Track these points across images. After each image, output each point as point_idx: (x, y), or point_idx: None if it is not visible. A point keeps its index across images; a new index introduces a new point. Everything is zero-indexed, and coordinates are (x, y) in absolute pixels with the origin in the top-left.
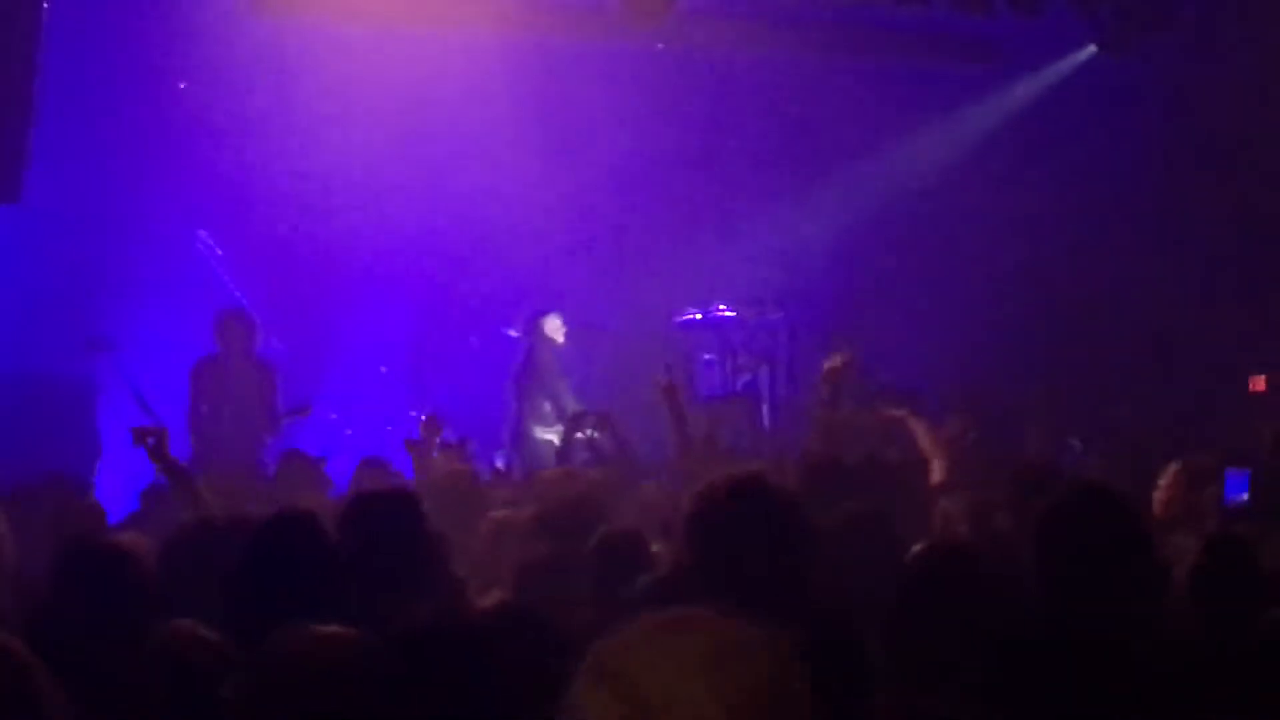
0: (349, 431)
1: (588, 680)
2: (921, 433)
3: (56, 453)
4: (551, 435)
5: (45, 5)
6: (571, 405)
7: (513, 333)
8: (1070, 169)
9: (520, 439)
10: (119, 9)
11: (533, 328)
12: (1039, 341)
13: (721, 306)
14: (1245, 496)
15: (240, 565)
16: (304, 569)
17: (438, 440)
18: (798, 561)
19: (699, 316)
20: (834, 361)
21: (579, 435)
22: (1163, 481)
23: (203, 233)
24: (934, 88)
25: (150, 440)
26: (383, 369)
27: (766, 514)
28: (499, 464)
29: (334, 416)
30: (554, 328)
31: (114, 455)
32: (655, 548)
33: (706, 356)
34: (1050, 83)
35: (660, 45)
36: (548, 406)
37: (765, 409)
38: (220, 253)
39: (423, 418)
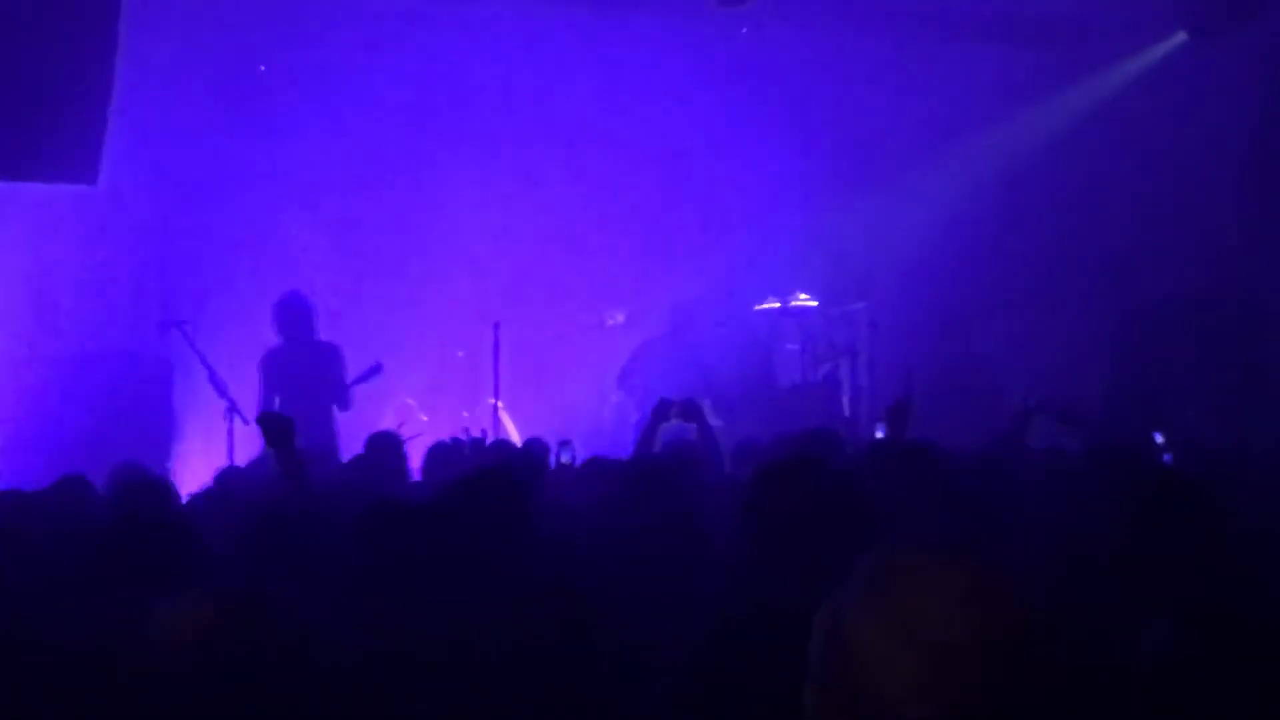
0: (424, 418)
1: (857, 592)
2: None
3: (134, 432)
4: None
5: None
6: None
7: (610, 321)
8: (1158, 160)
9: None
10: None
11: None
12: (1121, 337)
13: (802, 296)
14: None
15: None
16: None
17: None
18: (848, 534)
19: (778, 305)
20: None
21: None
22: None
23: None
24: (1018, 75)
25: (273, 428)
26: (460, 354)
27: (815, 494)
28: (564, 458)
29: (411, 402)
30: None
31: (189, 434)
32: None
33: (790, 346)
34: (1138, 70)
35: (744, 30)
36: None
37: (845, 399)
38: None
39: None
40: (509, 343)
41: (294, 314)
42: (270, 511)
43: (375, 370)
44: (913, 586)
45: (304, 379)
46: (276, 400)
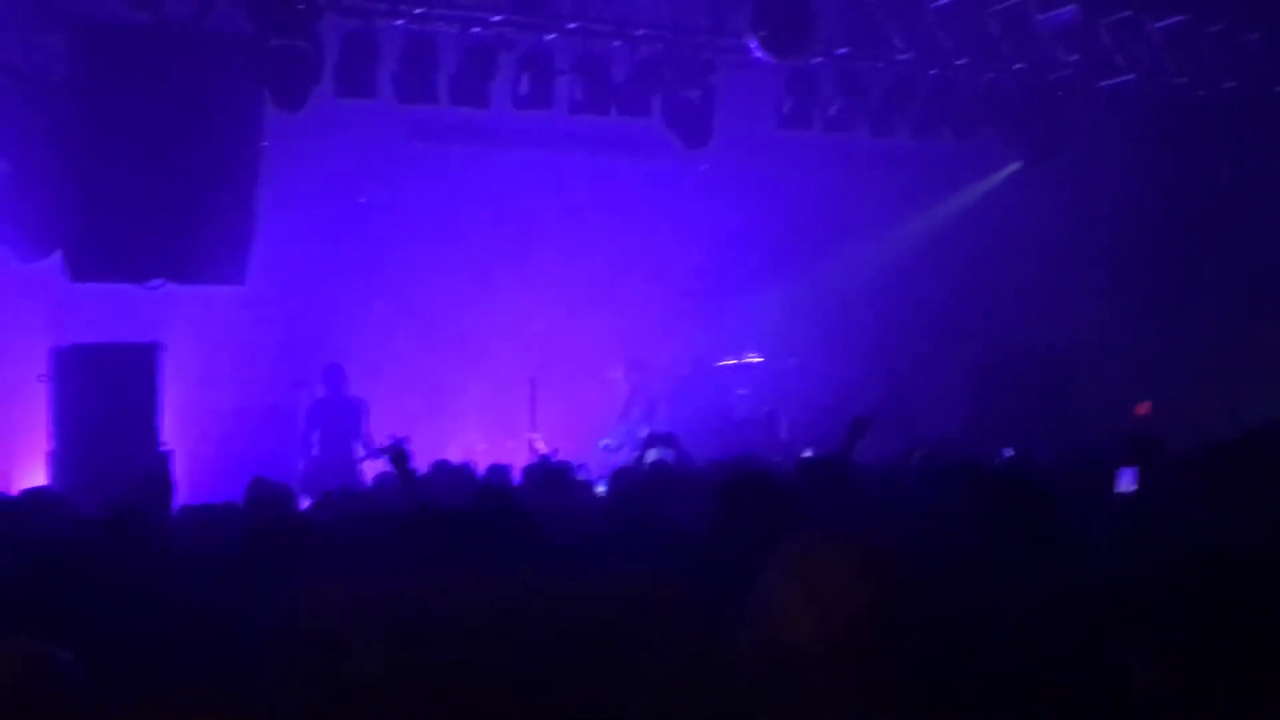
0: (482, 446)
1: (779, 567)
2: None
3: (271, 458)
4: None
5: (265, 144)
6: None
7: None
8: (1000, 251)
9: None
10: (316, 140)
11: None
12: (976, 379)
13: (750, 355)
14: (1134, 487)
15: None
16: None
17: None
18: (782, 524)
19: (734, 361)
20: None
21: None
22: None
23: None
24: (905, 192)
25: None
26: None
27: (765, 499)
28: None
29: (475, 436)
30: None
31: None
32: None
33: (741, 391)
34: (991, 186)
35: (704, 166)
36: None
37: (783, 428)
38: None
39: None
40: (543, 392)
41: (334, 377)
42: (393, 512)
43: (392, 448)
44: (818, 564)
45: (337, 425)
46: (316, 435)
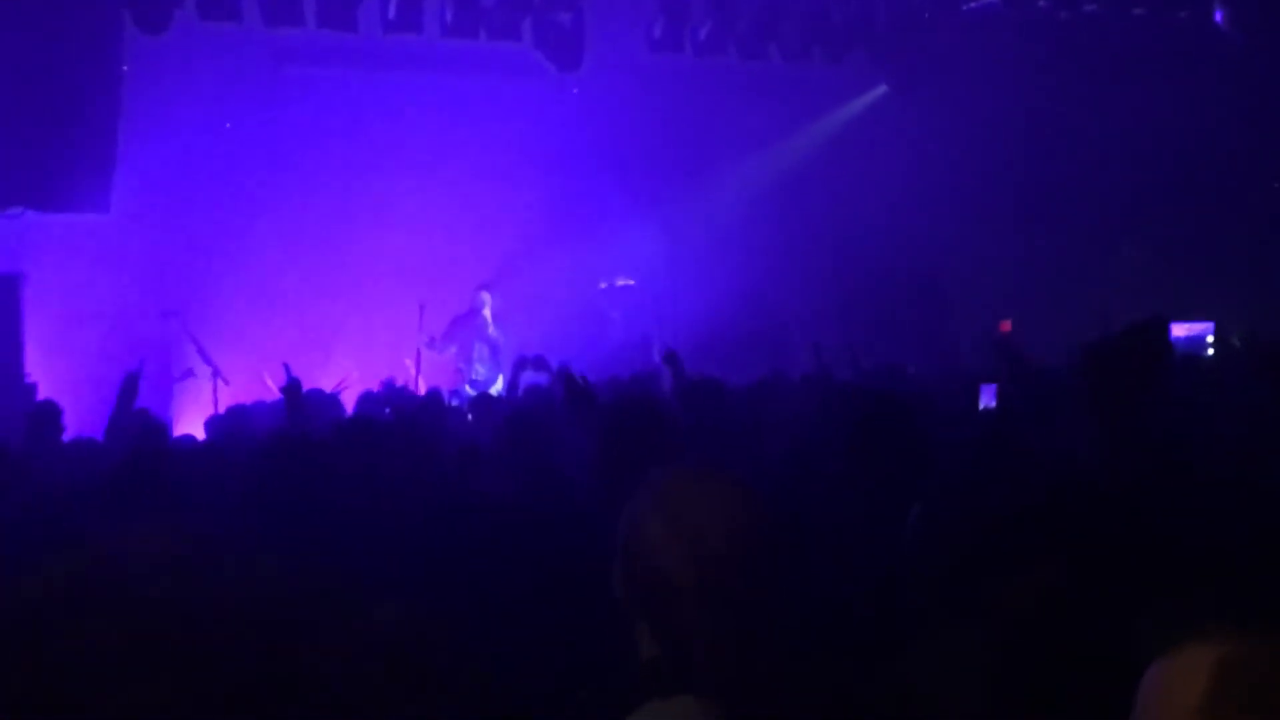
0: (357, 374)
1: (648, 499)
2: None
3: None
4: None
5: (125, 68)
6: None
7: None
8: (868, 174)
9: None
10: (181, 62)
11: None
12: (846, 299)
13: (623, 278)
14: (994, 403)
15: None
16: None
17: None
18: (669, 452)
19: (607, 285)
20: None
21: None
22: None
23: None
24: (778, 117)
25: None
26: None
27: (647, 421)
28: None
29: (348, 363)
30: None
31: (181, 390)
32: None
33: (613, 314)
34: (858, 110)
35: (576, 90)
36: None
37: (655, 351)
38: None
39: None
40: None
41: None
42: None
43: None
44: (684, 497)
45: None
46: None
